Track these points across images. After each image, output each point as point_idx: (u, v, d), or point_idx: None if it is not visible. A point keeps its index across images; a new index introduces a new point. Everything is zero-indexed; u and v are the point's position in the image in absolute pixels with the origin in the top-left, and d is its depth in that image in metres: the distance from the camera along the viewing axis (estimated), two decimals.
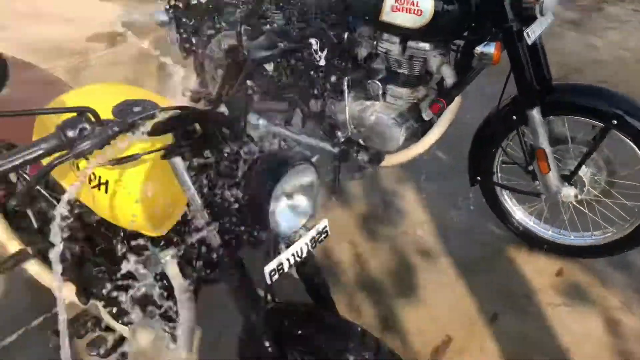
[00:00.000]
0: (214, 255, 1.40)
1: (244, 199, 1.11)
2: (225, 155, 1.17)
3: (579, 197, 2.26)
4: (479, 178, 2.45)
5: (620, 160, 2.23)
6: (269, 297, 1.30)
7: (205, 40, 2.89)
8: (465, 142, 2.44)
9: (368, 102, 2.38)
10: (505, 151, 2.34)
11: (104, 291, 1.69)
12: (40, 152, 1.00)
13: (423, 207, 2.83)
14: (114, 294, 1.64)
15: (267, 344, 1.28)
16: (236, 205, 1.17)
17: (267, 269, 1.16)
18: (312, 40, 2.03)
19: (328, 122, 2.52)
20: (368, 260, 2.51)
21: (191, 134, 1.14)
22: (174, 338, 1.62)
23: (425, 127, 2.39)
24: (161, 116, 1.13)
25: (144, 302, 1.56)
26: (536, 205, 2.47)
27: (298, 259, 1.22)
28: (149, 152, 1.08)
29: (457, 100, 2.36)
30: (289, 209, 1.14)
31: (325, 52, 2.26)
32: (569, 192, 2.23)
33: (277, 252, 1.20)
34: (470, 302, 2.30)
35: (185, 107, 1.16)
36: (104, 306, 1.73)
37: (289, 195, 1.14)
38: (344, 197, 2.89)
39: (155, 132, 1.11)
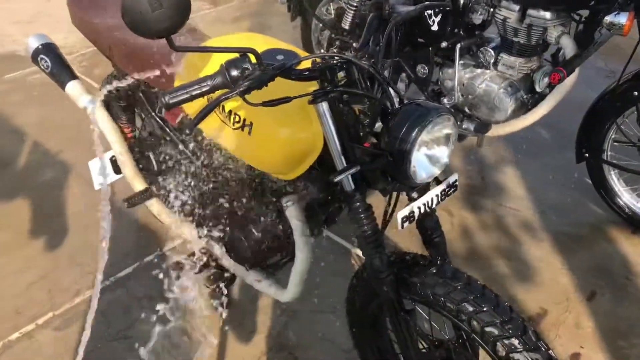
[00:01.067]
0: (340, 201, 1.48)
1: (386, 146, 1.15)
2: (366, 102, 1.21)
3: None
4: (586, 155, 2.39)
5: None
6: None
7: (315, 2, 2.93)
8: (567, 118, 2.37)
9: (478, 70, 2.36)
10: (620, 128, 2.27)
11: (223, 230, 1.80)
12: (207, 88, 1.09)
13: (521, 181, 2.80)
14: (233, 233, 1.74)
15: (385, 288, 1.34)
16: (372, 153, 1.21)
17: (400, 215, 1.20)
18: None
19: (433, 88, 2.52)
20: (463, 229, 2.52)
21: (336, 81, 1.19)
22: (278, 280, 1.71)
23: (535, 99, 2.34)
24: (311, 63, 1.19)
25: (261, 243, 1.65)
26: None
27: (428, 209, 1.26)
28: (301, 96, 1.14)
29: (574, 74, 2.29)
30: (426, 158, 1.18)
31: (439, 17, 2.26)
32: None
33: (410, 200, 1.24)
34: (567, 278, 2.27)
35: (331, 54, 1.21)
36: (221, 244, 1.84)
37: (428, 145, 1.17)
38: None
39: (305, 77, 1.17)
